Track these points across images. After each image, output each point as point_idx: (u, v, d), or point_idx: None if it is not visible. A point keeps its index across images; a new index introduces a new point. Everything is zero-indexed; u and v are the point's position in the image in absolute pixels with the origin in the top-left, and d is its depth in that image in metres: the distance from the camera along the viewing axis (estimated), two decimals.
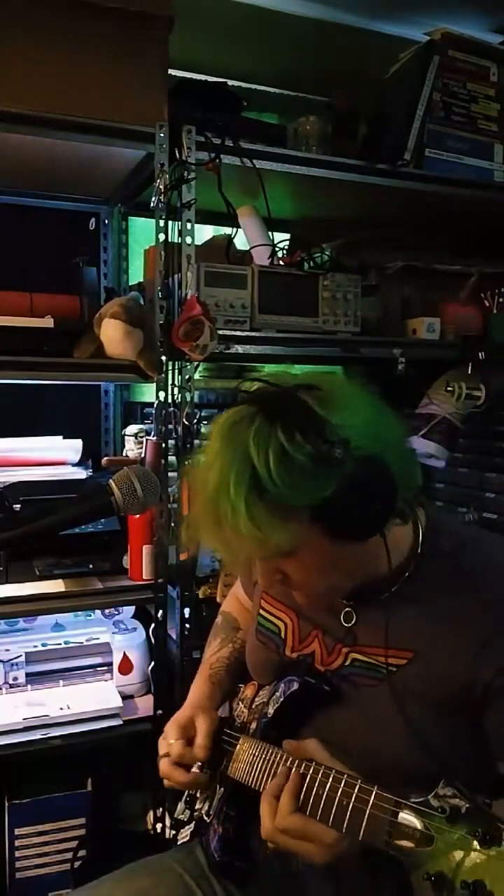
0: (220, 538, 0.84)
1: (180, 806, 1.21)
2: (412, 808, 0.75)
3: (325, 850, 0.85)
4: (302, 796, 0.87)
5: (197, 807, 1.17)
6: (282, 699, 1.00)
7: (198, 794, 1.17)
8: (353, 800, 0.81)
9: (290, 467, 0.78)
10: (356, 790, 0.81)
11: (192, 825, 1.17)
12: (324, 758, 0.91)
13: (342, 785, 0.83)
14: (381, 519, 0.85)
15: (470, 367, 1.88)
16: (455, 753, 0.89)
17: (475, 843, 0.69)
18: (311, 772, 0.88)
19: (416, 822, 0.74)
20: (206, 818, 1.13)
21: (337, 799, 0.83)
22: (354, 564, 0.91)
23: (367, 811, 0.79)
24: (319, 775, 0.87)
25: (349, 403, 0.85)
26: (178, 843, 1.18)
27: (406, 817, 0.76)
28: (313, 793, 0.86)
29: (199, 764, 1.08)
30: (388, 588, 0.95)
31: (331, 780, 0.85)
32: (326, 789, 0.85)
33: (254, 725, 1.07)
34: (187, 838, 1.17)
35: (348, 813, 0.81)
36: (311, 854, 0.87)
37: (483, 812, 0.71)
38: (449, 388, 1.86)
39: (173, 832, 1.20)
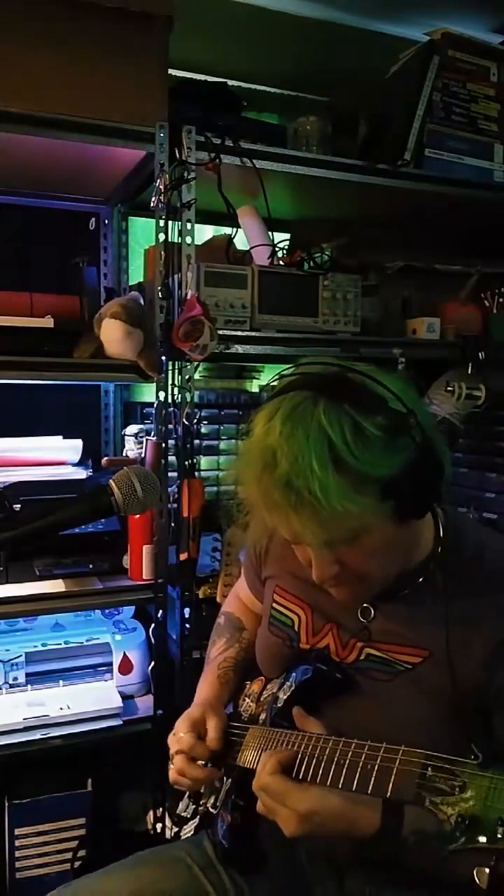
0: (296, 521, 0.83)
1: (184, 802, 1.20)
2: (442, 759, 0.75)
3: (296, 819, 0.86)
4: (321, 769, 0.87)
5: (202, 801, 1.17)
6: (293, 687, 1.00)
7: (202, 790, 1.17)
8: (378, 762, 0.80)
9: (367, 440, 0.80)
10: (381, 752, 0.81)
11: (196, 821, 1.17)
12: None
13: (365, 750, 0.83)
14: (438, 493, 0.88)
15: (470, 367, 1.88)
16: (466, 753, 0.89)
17: None
18: (329, 746, 0.88)
19: (449, 771, 0.73)
20: (211, 810, 1.13)
21: (361, 764, 0.82)
22: (404, 549, 0.94)
23: (395, 768, 0.78)
24: (341, 745, 0.86)
25: (392, 383, 0.87)
26: (182, 839, 1.18)
27: (437, 767, 0.75)
28: (334, 763, 0.85)
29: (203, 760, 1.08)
30: (408, 585, 0.96)
31: (352, 749, 0.85)
32: (349, 758, 0.84)
33: (263, 716, 1.07)
34: (191, 833, 1.17)
35: (373, 775, 0.80)
36: (284, 820, 0.87)
37: None
38: (449, 388, 1.86)
39: (176, 829, 1.20)
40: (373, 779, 0.80)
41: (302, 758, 0.90)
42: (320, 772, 0.87)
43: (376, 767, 0.80)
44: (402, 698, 0.93)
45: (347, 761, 0.84)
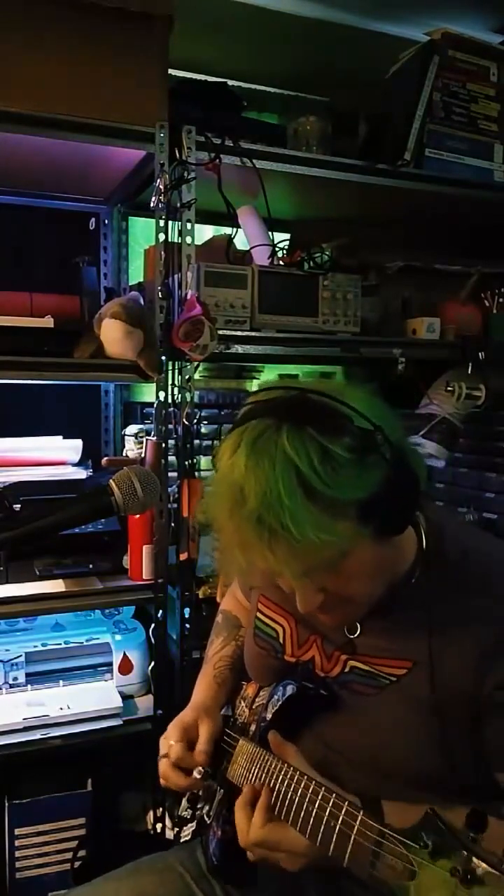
0: (272, 557, 0.80)
1: (184, 803, 1.21)
2: (396, 840, 0.74)
3: (296, 860, 0.88)
4: (293, 810, 0.86)
5: (199, 806, 1.17)
6: (279, 703, 1.00)
7: (200, 793, 1.17)
8: (339, 822, 0.80)
9: (335, 464, 0.77)
10: (343, 812, 0.80)
11: (195, 823, 1.17)
12: (299, 765, 0.92)
13: (330, 805, 0.82)
14: (414, 507, 0.86)
15: (470, 367, 1.88)
16: (455, 762, 0.88)
17: (457, 881, 0.67)
18: (301, 787, 0.87)
19: (399, 856, 0.73)
20: (206, 819, 1.13)
21: (325, 818, 0.82)
22: (388, 565, 0.92)
23: (353, 837, 0.78)
24: (310, 791, 0.86)
25: (356, 399, 0.84)
26: (181, 840, 1.18)
27: (389, 849, 0.74)
28: (304, 809, 0.85)
29: (199, 769, 1.08)
30: (393, 596, 0.94)
31: (320, 797, 0.84)
32: (316, 807, 0.84)
33: (253, 727, 1.07)
34: (189, 836, 1.17)
35: (335, 835, 0.80)
36: (283, 862, 0.88)
37: (467, 849, 0.68)
38: (449, 388, 1.87)
39: (176, 829, 1.20)
40: (333, 841, 0.80)
41: (278, 794, 0.90)
42: (291, 814, 0.87)
43: (337, 829, 0.80)
44: (388, 711, 0.92)
45: (315, 810, 0.84)
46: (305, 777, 0.88)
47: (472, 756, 0.89)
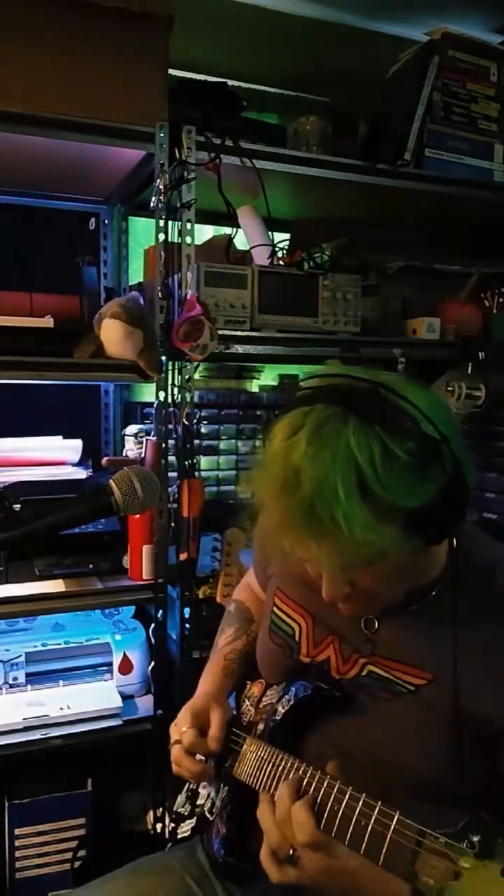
0: (314, 546, 0.79)
1: (181, 799, 1.20)
2: (438, 839, 0.71)
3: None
4: (316, 808, 0.83)
5: (199, 802, 1.16)
6: (292, 702, 0.99)
7: (200, 790, 1.17)
8: (371, 822, 0.77)
9: (397, 468, 0.75)
10: (376, 812, 0.77)
11: (193, 821, 1.17)
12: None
13: (360, 804, 0.79)
14: (460, 520, 0.85)
15: (470, 367, 1.88)
16: (466, 774, 0.87)
17: None
18: (325, 785, 0.84)
19: (443, 855, 0.70)
20: (208, 815, 1.13)
21: (355, 817, 0.79)
22: (418, 569, 0.91)
23: (389, 835, 0.74)
24: (335, 791, 0.83)
25: (426, 402, 0.81)
26: (178, 837, 1.18)
27: (431, 848, 0.71)
28: (328, 808, 0.82)
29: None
30: (417, 601, 0.93)
31: (347, 797, 0.81)
32: (343, 806, 0.81)
33: (261, 726, 1.06)
34: (188, 833, 1.17)
35: (367, 835, 0.77)
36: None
37: None
38: (449, 388, 1.87)
39: (173, 825, 1.20)
40: (365, 840, 0.77)
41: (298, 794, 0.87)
42: (315, 810, 0.83)
43: (370, 828, 0.77)
44: (402, 719, 0.91)
45: (342, 809, 0.81)
46: (329, 777, 0.85)
47: (485, 770, 0.88)
